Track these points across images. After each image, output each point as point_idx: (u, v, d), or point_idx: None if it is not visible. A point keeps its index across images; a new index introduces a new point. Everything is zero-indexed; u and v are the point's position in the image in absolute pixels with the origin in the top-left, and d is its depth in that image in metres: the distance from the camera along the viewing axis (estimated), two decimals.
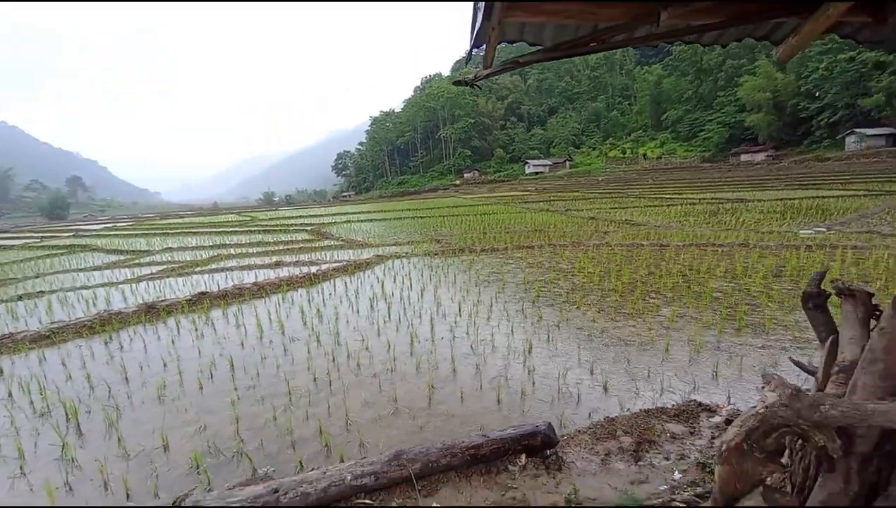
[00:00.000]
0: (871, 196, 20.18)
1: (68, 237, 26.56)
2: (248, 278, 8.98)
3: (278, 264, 10.75)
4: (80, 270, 12.41)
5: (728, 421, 3.00)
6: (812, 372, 2.30)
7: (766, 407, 1.64)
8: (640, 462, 2.74)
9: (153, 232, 25.40)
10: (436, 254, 10.94)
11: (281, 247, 14.26)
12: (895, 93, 44.25)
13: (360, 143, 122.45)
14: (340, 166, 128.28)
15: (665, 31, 2.11)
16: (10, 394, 4.29)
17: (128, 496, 2.76)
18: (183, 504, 2.35)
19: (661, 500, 2.33)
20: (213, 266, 11.44)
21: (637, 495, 2.40)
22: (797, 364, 2.57)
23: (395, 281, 8.35)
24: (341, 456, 2.97)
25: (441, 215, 23.41)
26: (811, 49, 48.73)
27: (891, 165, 36.44)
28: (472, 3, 1.87)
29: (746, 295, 6.27)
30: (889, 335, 1.61)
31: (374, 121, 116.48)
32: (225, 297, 7.42)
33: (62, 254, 17.11)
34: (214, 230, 23.83)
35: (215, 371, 4.59)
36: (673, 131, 73.16)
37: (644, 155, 70.51)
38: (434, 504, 2.42)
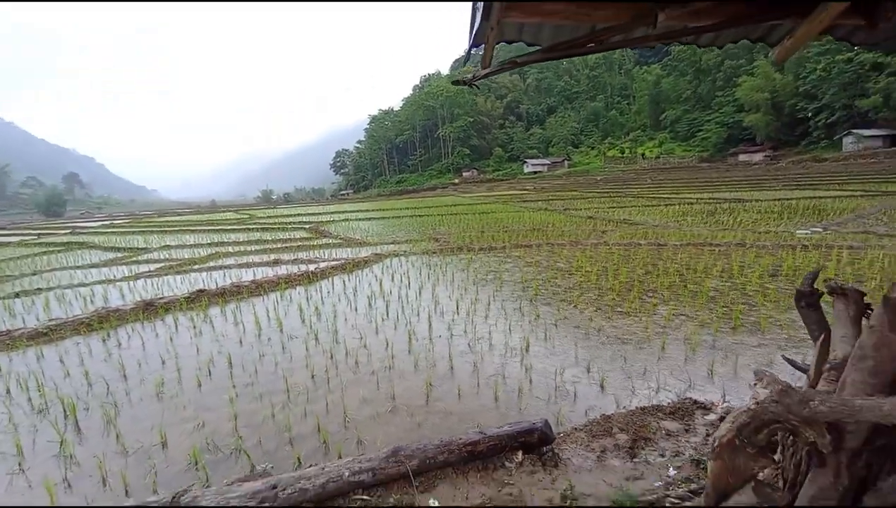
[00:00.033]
0: (868, 196, 20.27)
1: (65, 234, 26.48)
2: (247, 276, 8.98)
3: (276, 262, 10.75)
4: (78, 267, 12.38)
5: (723, 419, 3.03)
6: (804, 370, 2.33)
7: (758, 403, 1.66)
8: (635, 459, 2.76)
9: (151, 229, 25.33)
10: (434, 253, 10.96)
11: (279, 246, 14.23)
12: (892, 94, 44.46)
13: (359, 142, 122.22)
14: (339, 164, 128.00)
15: (662, 32, 2.13)
16: (8, 391, 4.29)
17: (126, 492, 2.77)
18: (181, 501, 2.37)
19: (655, 496, 2.36)
20: (212, 264, 11.43)
21: (632, 491, 2.43)
22: (790, 361, 2.60)
23: (393, 279, 8.36)
24: (339, 453, 2.99)
25: (439, 214, 23.41)
26: (809, 50, 48.93)
27: (887, 166, 36.59)
28: (470, 4, 1.88)
29: (742, 295, 6.31)
30: (878, 332, 1.64)
31: (373, 119, 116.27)
32: (223, 295, 7.43)
33: (59, 252, 17.04)
34: (212, 228, 23.74)
35: (213, 368, 4.61)
36: (671, 131, 73.32)
37: (642, 154, 70.64)
38: (431, 501, 2.44)
